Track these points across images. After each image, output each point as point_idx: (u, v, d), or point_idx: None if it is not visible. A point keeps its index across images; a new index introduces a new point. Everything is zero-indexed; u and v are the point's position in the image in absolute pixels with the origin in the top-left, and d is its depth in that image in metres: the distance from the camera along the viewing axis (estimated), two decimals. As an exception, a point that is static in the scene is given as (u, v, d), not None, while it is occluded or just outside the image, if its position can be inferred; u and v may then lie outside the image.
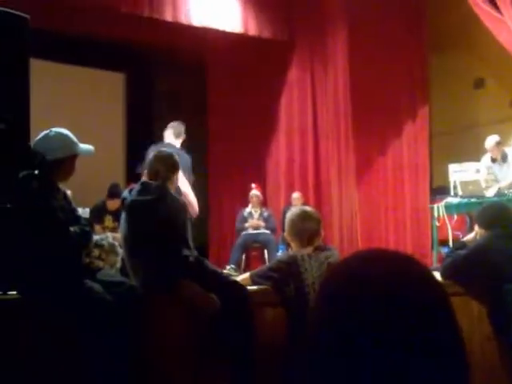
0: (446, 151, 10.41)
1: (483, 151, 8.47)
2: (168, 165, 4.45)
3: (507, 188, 7.96)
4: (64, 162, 3.94)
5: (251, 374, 4.08)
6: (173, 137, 7.15)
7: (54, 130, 3.99)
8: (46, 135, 3.95)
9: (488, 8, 8.26)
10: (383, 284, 0.96)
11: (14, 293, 3.72)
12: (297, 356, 3.71)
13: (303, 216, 4.32)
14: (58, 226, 3.72)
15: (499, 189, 7.97)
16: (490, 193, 7.98)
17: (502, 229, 4.74)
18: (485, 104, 10.49)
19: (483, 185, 8.06)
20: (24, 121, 4.13)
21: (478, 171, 8.24)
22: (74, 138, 4.03)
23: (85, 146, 4.09)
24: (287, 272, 4.16)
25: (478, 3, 8.38)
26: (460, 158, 8.84)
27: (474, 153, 8.71)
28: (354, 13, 10.03)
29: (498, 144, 8.29)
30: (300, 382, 1.05)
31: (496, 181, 8.23)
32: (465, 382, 0.96)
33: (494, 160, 8.34)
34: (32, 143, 3.96)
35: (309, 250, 4.25)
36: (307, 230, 4.28)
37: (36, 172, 3.79)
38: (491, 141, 8.31)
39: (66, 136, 4.00)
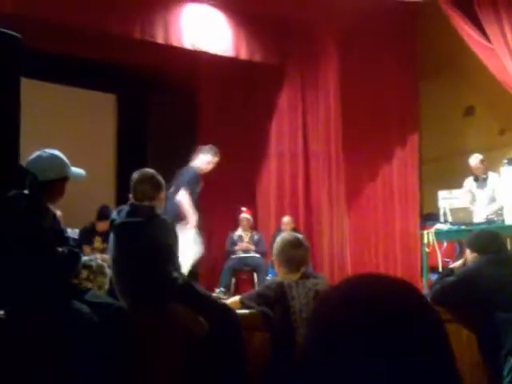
0: (436, 178, 10.43)
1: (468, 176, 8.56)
2: (153, 184, 4.45)
3: (494, 214, 8.02)
4: (55, 183, 3.93)
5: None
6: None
7: (46, 150, 3.98)
8: (39, 156, 3.94)
9: (478, 37, 8.34)
10: (377, 310, 0.95)
11: (1, 312, 3.68)
12: (282, 381, 3.69)
13: (293, 243, 4.30)
14: (47, 247, 3.69)
15: (487, 216, 8.02)
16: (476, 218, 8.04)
17: (493, 255, 4.75)
18: (474, 132, 10.53)
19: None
20: (14, 140, 4.11)
21: (464, 197, 8.31)
22: (66, 160, 4.03)
23: (76, 170, 4.09)
24: (274, 299, 4.15)
25: (468, 32, 8.47)
26: (449, 185, 8.87)
27: (463, 180, 8.74)
28: (345, 40, 10.10)
29: (482, 162, 8.35)
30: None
31: (474, 201, 8.31)
32: None
33: (476, 179, 8.40)
34: (24, 163, 3.94)
35: (296, 276, 4.23)
36: (296, 257, 4.27)
37: (26, 192, 3.77)
38: (476, 159, 8.36)
39: (58, 157, 3.99)
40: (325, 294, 1.10)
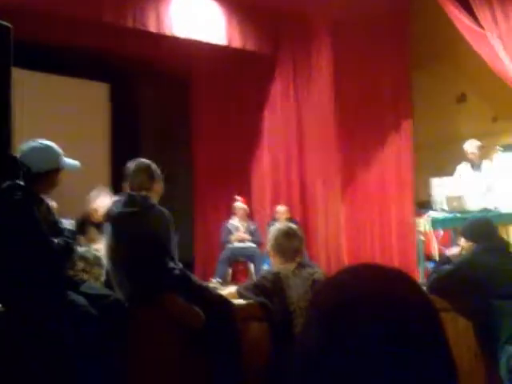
0: (429, 165, 10.43)
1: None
2: (150, 175, 4.42)
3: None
4: (48, 174, 3.90)
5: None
6: None
7: (40, 141, 3.95)
8: (33, 147, 3.91)
9: (470, 23, 8.32)
10: (374, 300, 0.95)
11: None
12: (281, 372, 3.68)
13: (287, 233, 4.32)
14: (41, 238, 3.67)
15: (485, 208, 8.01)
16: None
17: (488, 243, 4.75)
18: (467, 119, 10.53)
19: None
20: (6, 131, 4.08)
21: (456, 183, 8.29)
22: (60, 151, 4.00)
23: (70, 161, 4.06)
24: (271, 289, 4.15)
25: (459, 18, 8.43)
26: (442, 172, 8.85)
27: (455, 167, 8.73)
28: (339, 27, 10.08)
29: (479, 147, 8.32)
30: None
31: (465, 187, 8.29)
32: None
33: (470, 165, 8.39)
34: (18, 154, 3.91)
35: (292, 265, 4.24)
36: (290, 247, 4.28)
37: (20, 183, 3.75)
38: (472, 144, 8.33)
39: (52, 148, 3.96)
40: (322, 285, 1.10)
